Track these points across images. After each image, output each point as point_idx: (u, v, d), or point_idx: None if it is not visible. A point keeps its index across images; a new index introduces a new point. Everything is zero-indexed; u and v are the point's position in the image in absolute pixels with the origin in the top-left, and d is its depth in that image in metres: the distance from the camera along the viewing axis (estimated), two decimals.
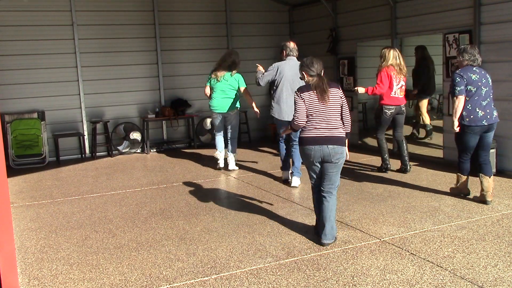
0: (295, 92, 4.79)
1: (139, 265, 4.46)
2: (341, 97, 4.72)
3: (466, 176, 6.07)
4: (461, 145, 5.92)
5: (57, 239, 5.23)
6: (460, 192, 6.18)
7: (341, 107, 4.71)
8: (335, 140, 4.63)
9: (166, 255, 4.67)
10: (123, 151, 10.29)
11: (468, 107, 5.71)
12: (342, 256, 4.48)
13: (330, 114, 4.65)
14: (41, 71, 9.70)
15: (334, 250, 4.62)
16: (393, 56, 7.30)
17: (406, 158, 7.62)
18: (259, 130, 11.59)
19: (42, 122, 9.44)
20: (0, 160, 3.17)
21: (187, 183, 7.50)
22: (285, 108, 6.88)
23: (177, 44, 10.79)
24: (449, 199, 6.12)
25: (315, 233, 4.95)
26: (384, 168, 7.72)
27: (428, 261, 4.29)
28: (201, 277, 4.16)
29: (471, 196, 6.11)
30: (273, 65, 7.07)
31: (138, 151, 10.46)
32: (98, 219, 5.90)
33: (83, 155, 10.06)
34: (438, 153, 8.37)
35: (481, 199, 5.91)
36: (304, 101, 4.65)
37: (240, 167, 8.47)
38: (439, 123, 9.25)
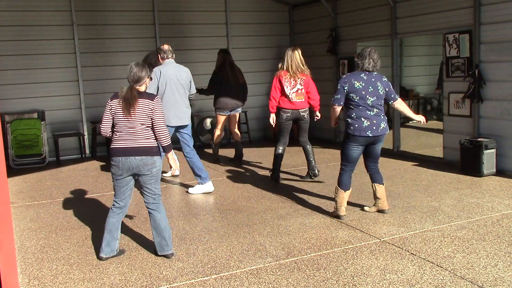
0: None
1: (139, 265, 4.46)
2: (151, 110, 4.41)
3: (343, 191, 5.44)
4: (344, 154, 5.43)
5: (57, 239, 5.23)
6: (335, 211, 5.52)
7: (152, 119, 4.42)
8: (143, 151, 4.39)
9: None
10: None
11: (353, 115, 5.27)
12: (342, 256, 4.48)
13: (135, 125, 4.39)
14: (41, 71, 9.70)
15: (334, 250, 4.62)
16: (286, 59, 6.96)
17: (313, 163, 7.33)
18: (259, 130, 11.58)
19: (42, 122, 9.44)
20: (0, 160, 3.17)
21: (187, 183, 7.50)
22: (174, 112, 6.65)
23: (177, 44, 10.77)
24: (449, 199, 6.12)
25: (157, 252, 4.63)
26: (273, 178, 7.36)
27: (428, 261, 4.29)
28: (201, 277, 4.16)
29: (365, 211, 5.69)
30: (154, 70, 6.50)
31: None
32: (98, 219, 5.89)
33: (83, 155, 10.06)
34: (438, 153, 8.37)
35: (378, 209, 5.65)
36: (110, 110, 4.48)
37: (241, 167, 8.48)
38: (439, 124, 9.25)
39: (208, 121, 10.74)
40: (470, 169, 7.27)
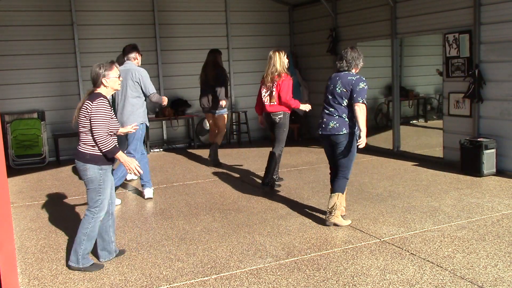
0: None
1: (139, 265, 4.46)
2: (89, 112, 4.22)
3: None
4: None
5: (57, 239, 5.23)
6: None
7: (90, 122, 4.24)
8: (77, 155, 4.32)
9: (166, 255, 4.67)
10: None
11: None
12: (342, 256, 4.48)
13: (79, 128, 4.31)
14: (41, 71, 9.70)
15: (334, 250, 4.62)
16: (267, 65, 6.86)
17: (270, 172, 6.91)
18: (259, 130, 11.58)
19: (42, 122, 9.44)
20: (0, 160, 3.17)
21: (187, 183, 7.50)
22: (117, 115, 6.46)
23: (177, 44, 10.79)
24: (449, 199, 6.12)
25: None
26: (271, 182, 7.04)
27: (428, 261, 4.29)
28: (201, 277, 4.16)
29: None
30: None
31: None
32: None
33: None
34: (438, 153, 8.37)
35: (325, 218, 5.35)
36: None
37: (241, 167, 8.48)
38: (439, 123, 9.26)
39: None
40: (470, 169, 7.28)
